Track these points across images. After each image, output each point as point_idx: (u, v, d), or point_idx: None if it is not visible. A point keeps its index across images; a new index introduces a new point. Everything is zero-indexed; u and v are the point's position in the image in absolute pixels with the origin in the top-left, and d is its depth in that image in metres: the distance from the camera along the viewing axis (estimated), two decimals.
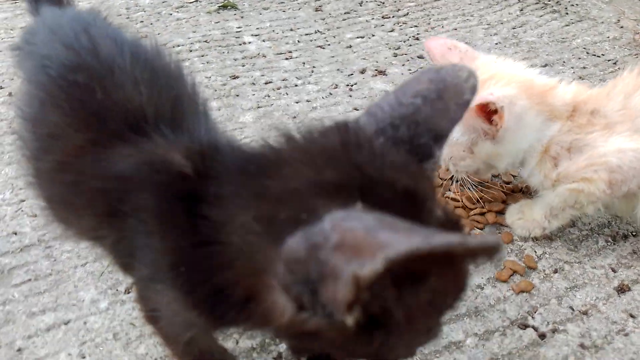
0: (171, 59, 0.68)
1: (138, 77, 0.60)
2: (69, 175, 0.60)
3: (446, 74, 0.48)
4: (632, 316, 0.90)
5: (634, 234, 1.06)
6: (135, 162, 0.53)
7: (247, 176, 0.43)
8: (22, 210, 1.12)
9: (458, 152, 1.01)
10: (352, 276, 0.31)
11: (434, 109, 0.47)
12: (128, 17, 2.01)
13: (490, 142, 0.97)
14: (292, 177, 0.40)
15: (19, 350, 0.86)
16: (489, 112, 0.93)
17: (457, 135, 0.99)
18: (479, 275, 0.98)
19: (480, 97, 0.91)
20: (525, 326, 0.88)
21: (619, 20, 1.95)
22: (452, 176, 1.09)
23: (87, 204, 0.60)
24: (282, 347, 0.86)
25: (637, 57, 1.70)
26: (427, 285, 0.38)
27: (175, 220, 0.47)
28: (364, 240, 0.32)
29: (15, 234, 1.06)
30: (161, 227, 0.49)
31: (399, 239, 0.31)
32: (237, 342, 0.86)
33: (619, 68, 1.64)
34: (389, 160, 0.42)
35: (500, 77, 0.97)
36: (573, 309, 0.91)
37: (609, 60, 1.69)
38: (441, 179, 1.20)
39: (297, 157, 0.42)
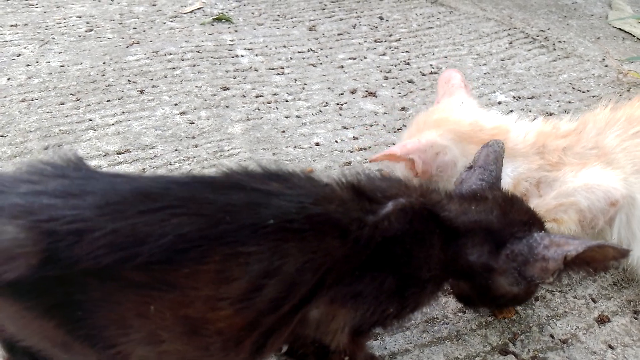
0: None
1: None
2: None
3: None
4: (611, 347, 0.90)
5: (614, 266, 1.07)
6: None
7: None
8: None
9: None
10: (563, 256, 0.63)
11: None
12: (121, 23, 2.00)
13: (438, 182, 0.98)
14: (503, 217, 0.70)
15: None
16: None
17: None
18: None
19: (391, 149, 0.95)
20: (506, 352, 0.88)
21: (603, 59, 2.01)
22: None
23: None
24: None
25: (620, 95, 1.75)
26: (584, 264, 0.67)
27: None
28: (565, 242, 0.65)
29: None
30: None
31: (581, 241, 0.64)
32: None
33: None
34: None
35: (444, 123, 0.98)
36: (554, 337, 0.91)
37: (593, 97, 1.73)
38: None
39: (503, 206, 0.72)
